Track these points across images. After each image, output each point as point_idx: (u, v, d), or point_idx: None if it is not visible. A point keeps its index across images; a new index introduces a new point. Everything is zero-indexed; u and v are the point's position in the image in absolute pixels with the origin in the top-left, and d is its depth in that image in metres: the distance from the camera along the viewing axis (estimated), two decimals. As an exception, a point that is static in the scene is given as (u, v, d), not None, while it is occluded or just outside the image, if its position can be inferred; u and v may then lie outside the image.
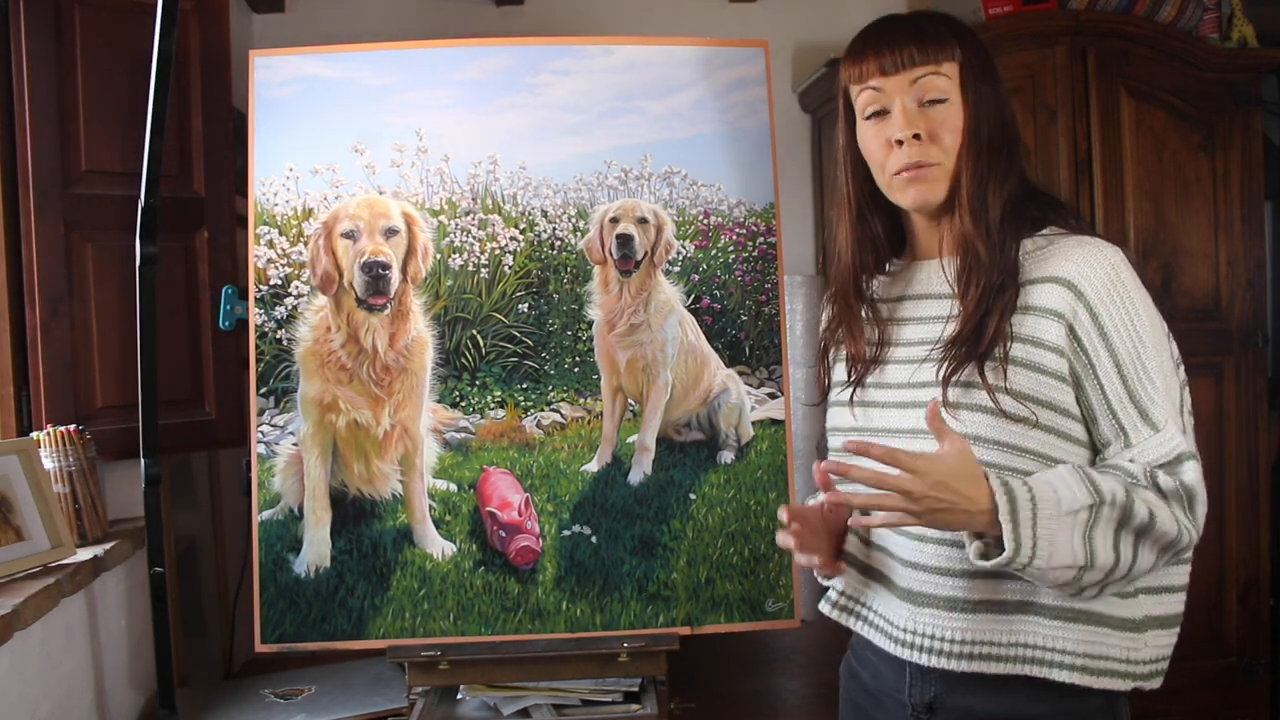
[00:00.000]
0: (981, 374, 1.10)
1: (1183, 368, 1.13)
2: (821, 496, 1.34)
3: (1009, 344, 1.10)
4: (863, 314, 1.23)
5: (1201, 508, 1.07)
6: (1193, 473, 1.06)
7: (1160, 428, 1.07)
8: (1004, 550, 1.01)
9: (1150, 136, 2.39)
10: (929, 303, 1.21)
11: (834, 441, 1.29)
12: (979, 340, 1.10)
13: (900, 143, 1.13)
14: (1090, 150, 2.36)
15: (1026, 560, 1.03)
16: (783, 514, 1.19)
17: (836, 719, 1.39)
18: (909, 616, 1.18)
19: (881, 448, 1.01)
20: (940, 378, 1.13)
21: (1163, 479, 1.06)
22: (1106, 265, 1.09)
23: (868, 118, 1.17)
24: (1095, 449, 1.13)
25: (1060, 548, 1.03)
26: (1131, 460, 1.08)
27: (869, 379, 1.23)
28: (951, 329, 1.14)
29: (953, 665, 1.15)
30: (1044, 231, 1.16)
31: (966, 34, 1.16)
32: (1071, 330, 1.09)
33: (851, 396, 1.24)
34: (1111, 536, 1.04)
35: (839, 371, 1.28)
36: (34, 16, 1.78)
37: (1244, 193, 2.44)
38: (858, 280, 1.23)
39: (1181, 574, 1.15)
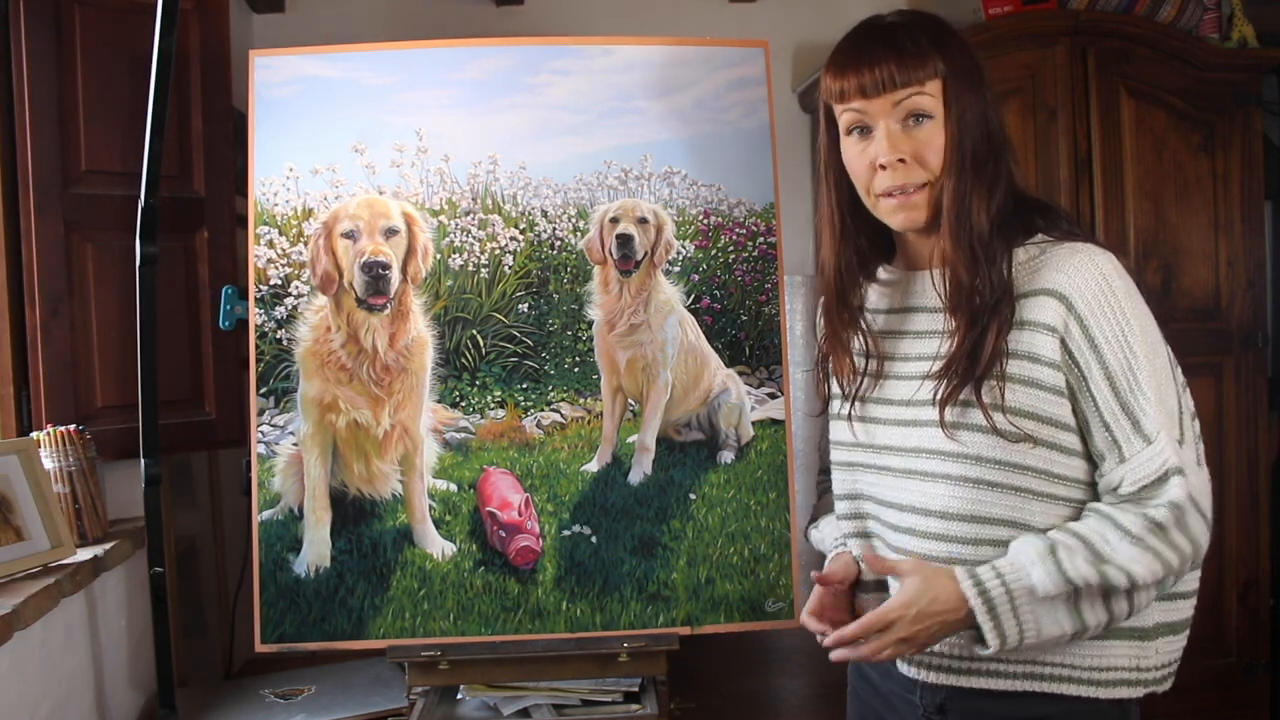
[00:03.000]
0: (978, 394, 1.09)
1: (1180, 370, 1.13)
2: (824, 525, 1.35)
3: (1005, 361, 1.09)
4: (854, 328, 1.21)
5: (1196, 519, 1.05)
6: (1178, 489, 1.04)
7: (1152, 439, 1.05)
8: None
9: (1150, 136, 2.39)
10: (925, 316, 1.19)
11: (835, 456, 1.28)
12: (975, 363, 1.09)
13: (883, 166, 1.12)
14: (1090, 150, 2.36)
15: (1016, 644, 1.06)
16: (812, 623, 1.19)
17: (836, 719, 1.39)
18: None
19: (853, 629, 1.09)
20: (936, 401, 1.12)
21: (1153, 512, 1.04)
22: (1098, 275, 1.08)
23: (849, 133, 1.15)
24: (1094, 462, 1.12)
25: (1047, 626, 1.06)
26: (1120, 486, 1.07)
27: (870, 394, 1.22)
28: (948, 345, 1.13)
29: (961, 681, 1.15)
30: (1035, 239, 1.14)
31: (949, 41, 1.13)
32: (1064, 343, 1.08)
33: (850, 413, 1.23)
34: (1100, 603, 1.06)
35: (837, 384, 1.26)
36: (34, 16, 1.78)
37: (1244, 193, 2.44)
38: (843, 296, 1.21)
39: (1192, 579, 1.15)
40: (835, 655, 1.13)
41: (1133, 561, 1.03)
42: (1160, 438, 1.05)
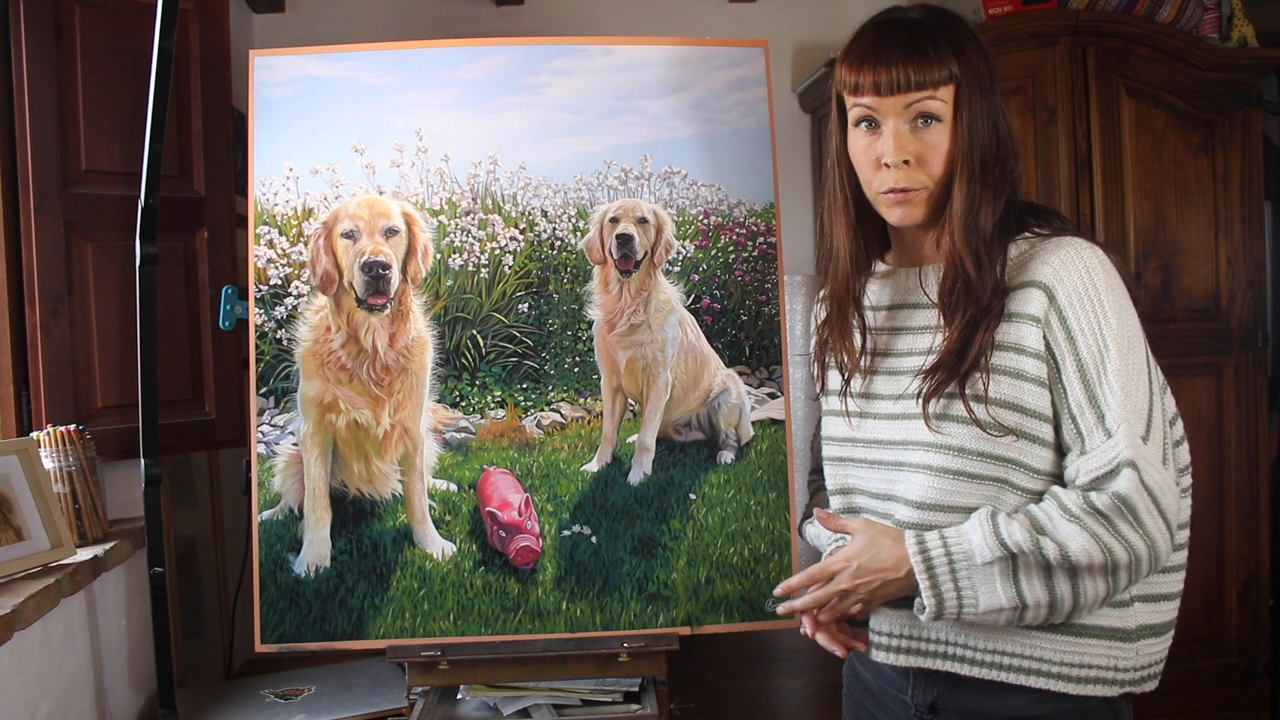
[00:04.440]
0: (962, 388, 1.10)
1: (1159, 371, 1.12)
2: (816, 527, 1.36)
3: (991, 354, 1.10)
4: (855, 320, 1.23)
5: (1150, 516, 1.04)
6: (1127, 481, 1.03)
7: (1112, 433, 1.05)
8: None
9: (1150, 136, 2.39)
10: (918, 312, 1.20)
11: (828, 451, 1.29)
12: (962, 360, 1.10)
13: (888, 165, 1.13)
14: (1090, 150, 2.36)
15: (954, 611, 1.08)
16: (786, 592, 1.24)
17: (836, 719, 1.40)
18: (888, 620, 1.19)
19: (799, 579, 1.18)
20: (920, 398, 1.13)
21: (1096, 498, 1.04)
22: (1081, 267, 1.09)
23: (857, 125, 1.16)
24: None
25: (985, 596, 1.07)
26: (1077, 478, 1.08)
27: (861, 388, 1.23)
28: (939, 340, 1.14)
29: (929, 664, 1.17)
30: (1026, 235, 1.15)
31: (967, 45, 1.13)
32: (1045, 334, 1.09)
33: (846, 407, 1.24)
34: (1039, 579, 1.06)
35: (833, 379, 1.27)
36: (34, 17, 1.78)
37: (1244, 193, 2.44)
38: (852, 283, 1.23)
39: (1175, 581, 1.16)
40: (782, 607, 1.20)
41: (1069, 538, 1.03)
42: (1119, 431, 1.05)
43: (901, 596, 1.13)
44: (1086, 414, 1.07)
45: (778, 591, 1.20)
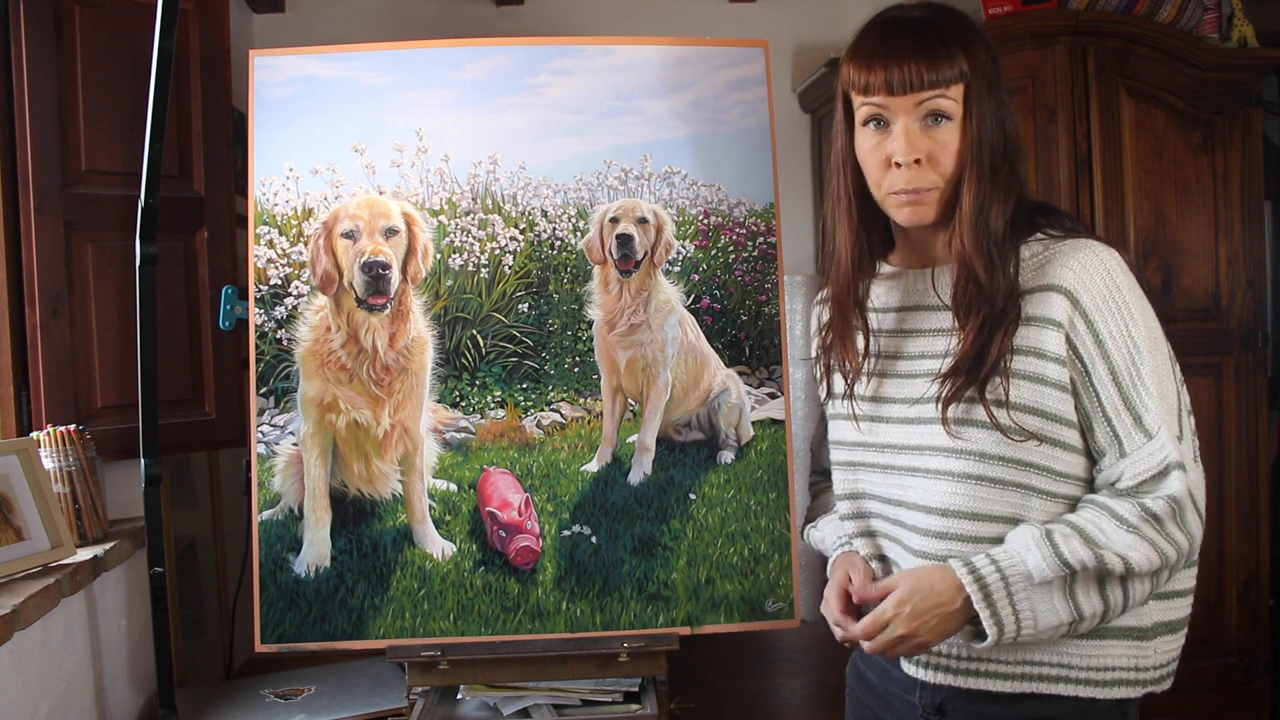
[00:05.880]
0: (982, 393, 1.09)
1: (1178, 367, 1.13)
2: (823, 525, 1.35)
3: (1010, 358, 1.09)
4: (857, 323, 1.22)
5: (1192, 514, 1.06)
6: (1178, 483, 1.05)
7: (1153, 434, 1.06)
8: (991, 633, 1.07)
9: (1150, 136, 2.39)
10: (929, 314, 1.19)
11: (836, 455, 1.27)
12: (980, 364, 1.09)
13: (899, 164, 1.11)
14: (1090, 150, 2.36)
15: (1013, 635, 1.07)
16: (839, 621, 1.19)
17: (837, 719, 1.39)
18: None
19: (861, 630, 1.12)
20: (939, 401, 1.12)
21: (1150, 503, 1.05)
22: (1103, 270, 1.09)
23: (865, 124, 1.15)
24: (1094, 459, 1.12)
25: (1044, 614, 1.06)
26: (1119, 481, 1.08)
27: (872, 392, 1.22)
28: (954, 343, 1.13)
29: (960, 682, 1.15)
30: (1038, 236, 1.14)
31: (975, 43, 1.12)
32: (1069, 339, 1.09)
33: (854, 411, 1.23)
34: (1095, 590, 1.06)
35: (839, 382, 1.26)
36: (34, 17, 1.78)
37: (1244, 193, 2.44)
38: (854, 286, 1.21)
39: (1189, 578, 1.15)
40: (869, 646, 1.14)
41: (1129, 549, 1.04)
42: (1161, 433, 1.06)
43: (958, 630, 1.11)
44: (1123, 416, 1.07)
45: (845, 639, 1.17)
